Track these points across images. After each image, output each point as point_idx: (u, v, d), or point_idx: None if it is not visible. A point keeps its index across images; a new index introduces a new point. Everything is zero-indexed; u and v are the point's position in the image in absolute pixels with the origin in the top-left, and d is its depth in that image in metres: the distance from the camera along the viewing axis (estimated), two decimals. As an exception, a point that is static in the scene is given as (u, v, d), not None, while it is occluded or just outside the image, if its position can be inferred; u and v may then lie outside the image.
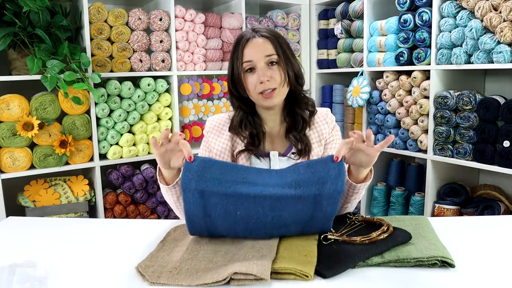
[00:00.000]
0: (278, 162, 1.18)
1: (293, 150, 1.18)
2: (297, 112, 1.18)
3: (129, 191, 2.40)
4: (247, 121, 1.18)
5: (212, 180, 0.91)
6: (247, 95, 1.16)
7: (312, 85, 3.06)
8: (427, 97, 2.27)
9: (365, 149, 0.96)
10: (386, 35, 2.46)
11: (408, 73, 2.37)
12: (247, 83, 1.13)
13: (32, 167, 2.12)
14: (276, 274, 0.81)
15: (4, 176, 2.04)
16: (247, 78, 1.13)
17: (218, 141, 1.20)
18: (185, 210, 0.94)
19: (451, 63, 2.11)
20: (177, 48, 2.46)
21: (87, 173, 2.35)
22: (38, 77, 1.97)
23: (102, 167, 2.32)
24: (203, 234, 0.98)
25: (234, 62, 1.14)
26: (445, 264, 0.85)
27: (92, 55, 2.20)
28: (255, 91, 1.12)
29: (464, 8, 2.01)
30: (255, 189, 0.90)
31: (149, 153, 2.47)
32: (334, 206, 0.93)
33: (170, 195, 1.08)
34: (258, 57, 1.10)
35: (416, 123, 2.36)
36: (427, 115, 2.27)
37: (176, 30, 2.43)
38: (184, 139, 0.96)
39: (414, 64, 2.31)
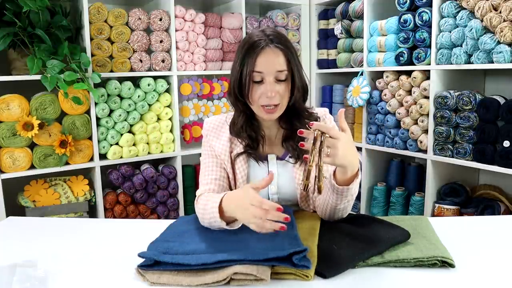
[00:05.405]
0: (276, 165, 1.18)
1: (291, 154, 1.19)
2: (296, 124, 1.17)
3: (129, 191, 2.40)
4: (246, 124, 1.18)
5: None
6: (248, 101, 1.14)
7: (312, 85, 3.06)
8: (427, 97, 2.27)
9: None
10: (386, 35, 2.46)
11: (408, 73, 2.37)
12: (252, 92, 1.11)
13: (32, 167, 2.12)
14: (276, 274, 0.82)
15: (4, 176, 2.04)
16: (253, 88, 1.11)
17: (218, 142, 1.20)
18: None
19: (451, 63, 2.11)
20: (177, 48, 2.46)
21: (87, 173, 2.35)
22: (38, 77, 1.97)
23: (102, 167, 2.32)
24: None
25: (244, 68, 1.10)
26: (445, 264, 0.85)
27: (92, 55, 2.20)
28: (258, 102, 1.11)
29: (464, 8, 2.01)
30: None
31: (149, 153, 2.47)
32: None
33: (219, 227, 1.00)
34: (269, 70, 1.08)
35: (416, 123, 2.36)
36: (427, 115, 2.27)
37: (176, 30, 2.43)
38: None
39: (414, 64, 2.31)
